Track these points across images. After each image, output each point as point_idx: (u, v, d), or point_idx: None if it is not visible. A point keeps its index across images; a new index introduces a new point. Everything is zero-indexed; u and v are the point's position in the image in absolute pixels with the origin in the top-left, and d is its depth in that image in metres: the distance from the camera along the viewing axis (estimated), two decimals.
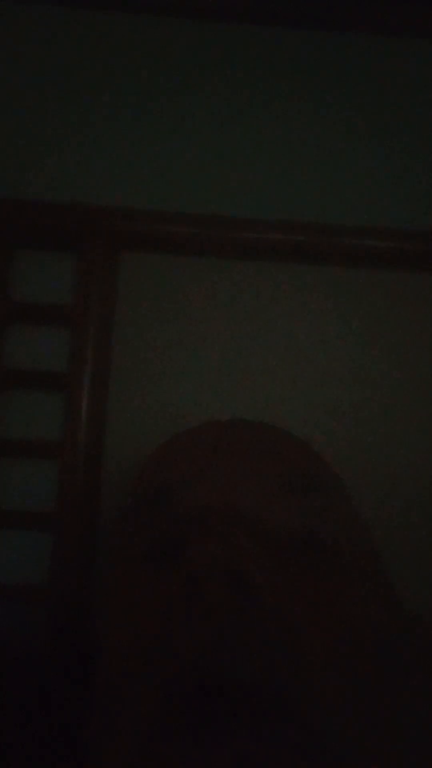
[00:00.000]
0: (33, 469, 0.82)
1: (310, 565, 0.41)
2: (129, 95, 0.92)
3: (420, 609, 0.80)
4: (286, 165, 0.91)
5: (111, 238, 0.84)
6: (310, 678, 0.33)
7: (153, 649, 0.37)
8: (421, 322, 0.89)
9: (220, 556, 0.37)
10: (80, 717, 0.74)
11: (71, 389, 0.82)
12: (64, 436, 0.81)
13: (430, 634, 0.48)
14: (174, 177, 0.90)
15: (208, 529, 0.41)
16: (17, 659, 0.76)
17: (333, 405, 0.86)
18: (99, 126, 0.91)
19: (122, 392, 0.85)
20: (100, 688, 0.41)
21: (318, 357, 0.88)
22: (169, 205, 0.88)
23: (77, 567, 0.77)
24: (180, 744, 0.30)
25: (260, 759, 0.29)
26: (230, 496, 0.44)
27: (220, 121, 0.92)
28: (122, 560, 0.47)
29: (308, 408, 0.86)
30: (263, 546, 0.41)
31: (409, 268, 0.89)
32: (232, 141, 0.91)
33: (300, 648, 0.35)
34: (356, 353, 0.88)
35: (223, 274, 0.89)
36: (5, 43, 0.92)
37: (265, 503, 0.44)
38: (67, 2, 0.91)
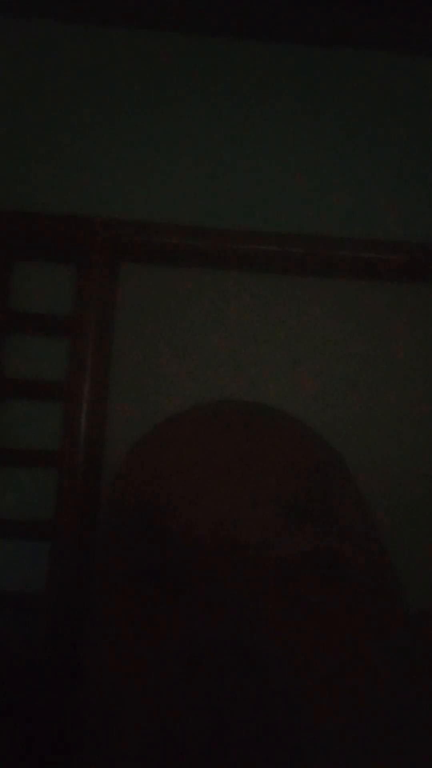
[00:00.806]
0: (31, 478, 0.83)
1: (323, 592, 0.39)
2: (129, 107, 0.93)
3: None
4: (286, 177, 0.92)
5: (111, 249, 0.85)
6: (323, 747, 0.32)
7: (144, 706, 0.34)
8: (423, 334, 0.90)
9: (227, 629, 0.34)
10: (76, 726, 0.73)
11: (70, 399, 0.82)
12: (63, 445, 0.81)
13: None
14: (174, 189, 0.90)
15: (212, 568, 0.37)
16: (15, 667, 0.77)
17: (334, 417, 0.86)
18: (99, 138, 0.92)
19: (121, 402, 0.86)
20: (85, 738, 0.39)
21: (318, 369, 0.88)
22: (170, 216, 0.89)
23: (75, 576, 0.78)
24: None
25: None
26: (231, 517, 0.39)
27: (220, 134, 0.93)
28: (111, 584, 0.44)
29: (308, 420, 0.86)
30: (270, 575, 0.38)
31: (410, 279, 0.90)
32: (232, 153, 0.92)
33: (308, 720, 0.33)
34: (357, 365, 0.88)
35: (224, 286, 0.89)
36: (5, 55, 0.93)
37: (271, 523, 0.39)
38: (68, 16, 0.92)
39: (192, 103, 0.93)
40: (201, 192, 0.91)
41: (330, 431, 0.86)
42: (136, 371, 0.87)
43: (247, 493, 0.41)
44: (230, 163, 0.92)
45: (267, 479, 0.42)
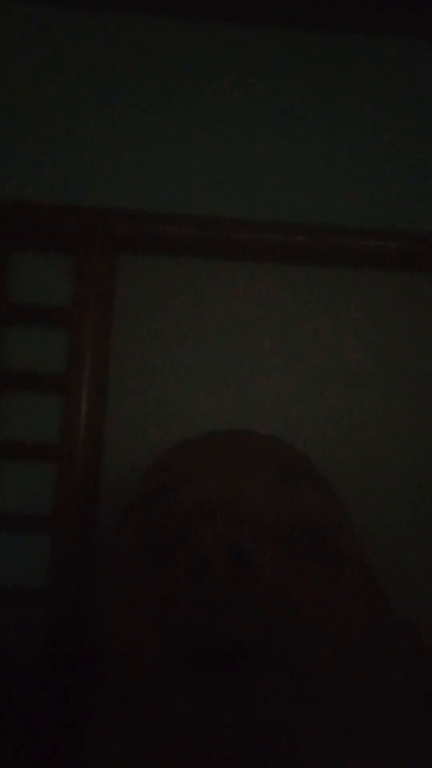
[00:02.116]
0: (31, 472, 0.82)
1: (308, 553, 0.43)
2: (127, 96, 0.92)
3: (417, 613, 0.80)
4: (286, 166, 0.91)
5: (109, 239, 0.84)
6: (305, 643, 0.37)
7: (158, 622, 0.39)
8: (422, 323, 0.89)
9: (225, 535, 0.40)
10: (80, 719, 0.73)
11: (69, 391, 0.82)
12: (62, 438, 0.81)
13: (415, 636, 0.49)
14: (172, 178, 0.89)
15: (210, 514, 0.43)
16: (15, 662, 0.76)
17: (332, 406, 0.86)
18: (96, 127, 0.91)
19: (121, 393, 0.85)
20: (105, 664, 0.43)
21: (317, 358, 0.87)
22: (168, 206, 0.88)
23: (75, 569, 0.77)
24: (184, 694, 0.34)
25: (259, 705, 0.33)
26: (228, 488, 0.46)
27: (218, 122, 0.92)
28: (125, 554, 0.49)
29: (307, 409, 0.86)
30: (263, 532, 0.43)
31: (410, 269, 0.89)
32: (230, 142, 0.91)
33: (296, 616, 0.38)
34: (356, 355, 0.88)
35: (223, 276, 0.89)
36: (3, 44, 0.92)
37: (262, 494, 0.46)
38: (66, 3, 0.91)
39: (191, 90, 0.92)
40: (200, 181, 0.90)
41: (330, 421, 0.86)
42: (136, 363, 0.86)
43: (240, 473, 0.48)
44: (230, 152, 0.91)
45: (254, 464, 0.49)
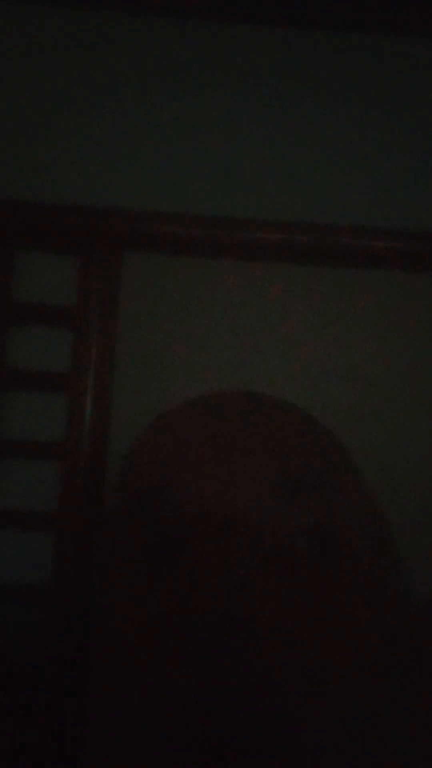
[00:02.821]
0: (35, 470, 0.82)
1: (317, 567, 0.40)
2: (131, 97, 0.92)
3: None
4: (288, 166, 0.91)
5: (113, 239, 0.84)
6: (303, 708, 0.33)
7: (151, 672, 0.36)
8: (422, 321, 0.89)
9: (221, 600, 0.36)
10: (80, 715, 0.73)
11: (74, 389, 0.82)
12: (67, 436, 0.81)
13: None
14: (176, 179, 0.90)
15: (209, 546, 0.40)
16: (19, 657, 0.76)
17: (333, 403, 0.86)
18: (101, 128, 0.91)
19: (125, 392, 0.85)
20: (98, 693, 0.41)
21: (318, 355, 0.88)
22: (171, 206, 0.88)
23: (79, 566, 0.77)
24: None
25: None
26: (230, 496, 0.42)
27: (221, 123, 0.92)
28: (118, 562, 0.46)
29: (309, 407, 0.86)
30: (266, 552, 0.39)
31: (410, 268, 0.90)
32: (233, 143, 0.92)
33: (294, 677, 0.34)
34: (357, 352, 0.88)
35: (225, 274, 0.89)
36: (6, 45, 0.92)
37: (267, 505, 0.42)
38: (70, 4, 0.91)
39: (194, 91, 0.93)
40: (204, 181, 0.90)
41: (332, 418, 0.86)
42: (140, 361, 0.86)
43: (242, 471, 0.44)
44: (232, 152, 0.91)
45: (261, 458, 0.45)
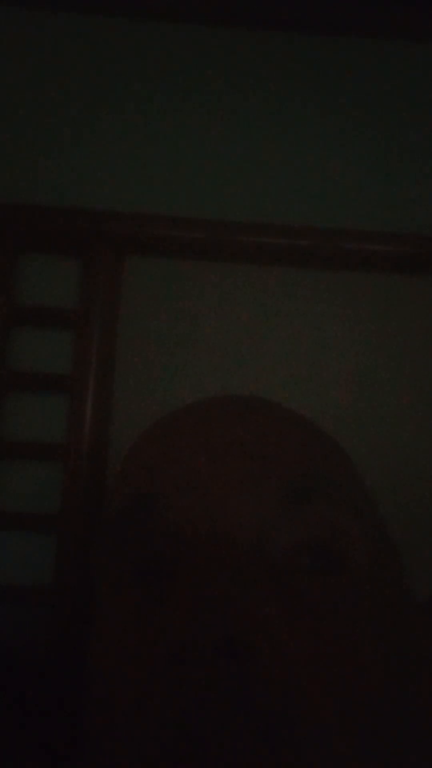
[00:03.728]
0: (37, 472, 0.83)
1: (319, 584, 0.38)
2: (132, 99, 0.93)
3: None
4: (289, 169, 0.92)
5: (115, 242, 0.85)
6: (305, 745, 0.31)
7: (139, 699, 0.34)
8: (425, 326, 0.90)
9: (219, 623, 0.33)
10: (81, 718, 0.73)
11: (75, 392, 0.82)
12: (69, 438, 0.81)
13: None
14: (177, 181, 0.90)
15: (203, 567, 0.37)
16: (19, 661, 0.77)
17: (335, 409, 0.86)
18: (103, 130, 0.92)
19: (126, 394, 0.86)
20: (91, 715, 0.39)
21: (320, 361, 0.88)
22: (174, 209, 0.89)
23: (81, 569, 0.78)
24: None
25: None
26: (226, 509, 0.39)
27: (223, 125, 0.93)
28: (107, 578, 0.44)
29: (311, 412, 0.86)
30: (265, 572, 0.37)
31: (412, 271, 0.90)
32: (235, 145, 0.92)
33: (297, 711, 0.32)
34: (359, 358, 0.88)
35: (228, 279, 0.89)
36: (6, 47, 0.93)
37: (267, 518, 0.39)
38: (71, 7, 0.92)
39: (194, 93, 0.93)
40: (205, 184, 0.91)
41: (333, 424, 0.86)
42: (142, 364, 0.87)
43: (241, 483, 0.40)
44: (234, 155, 0.92)
45: (261, 469, 0.41)
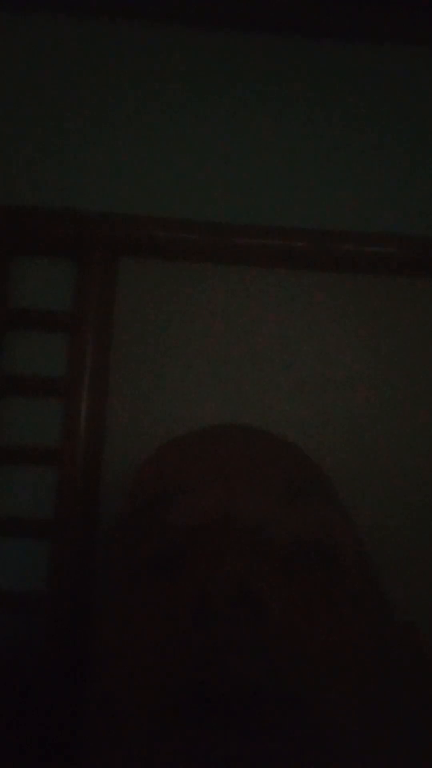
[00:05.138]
0: (32, 476, 0.82)
1: (315, 575, 0.41)
2: (127, 101, 0.92)
3: (419, 615, 0.80)
4: (286, 171, 0.91)
5: (109, 244, 0.84)
6: (314, 682, 0.34)
7: (155, 659, 0.36)
8: (422, 328, 0.89)
9: (231, 572, 0.37)
10: (78, 724, 0.74)
11: (70, 396, 0.82)
12: (63, 442, 0.81)
13: (419, 641, 0.49)
14: (173, 183, 0.89)
15: (213, 534, 0.41)
16: (16, 666, 0.77)
17: (332, 411, 0.86)
18: (96, 132, 0.91)
19: (121, 398, 0.85)
20: (95, 693, 0.40)
21: (317, 363, 0.87)
22: (168, 211, 0.88)
23: (76, 574, 0.77)
24: (179, 744, 0.30)
25: (261, 758, 0.29)
26: (231, 504, 0.43)
27: (218, 127, 0.92)
28: (121, 570, 0.47)
29: (307, 414, 0.86)
30: (267, 557, 0.40)
31: (410, 274, 0.89)
32: (230, 147, 0.91)
33: (304, 657, 0.35)
34: (356, 360, 0.88)
35: (222, 281, 0.89)
36: (3, 49, 0.92)
37: (267, 511, 0.43)
38: (65, 9, 0.91)
39: (191, 96, 0.92)
40: (201, 186, 0.90)
41: (330, 424, 0.86)
42: (136, 367, 0.86)
43: (243, 484, 0.45)
44: (231, 158, 0.91)
45: (260, 475, 0.46)
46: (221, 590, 0.36)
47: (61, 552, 0.78)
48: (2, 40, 0.92)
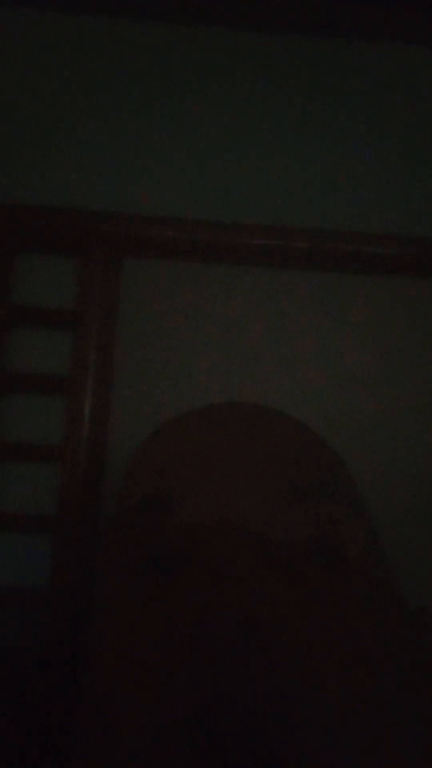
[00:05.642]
0: (35, 473, 0.83)
1: (322, 575, 0.40)
2: (131, 101, 0.92)
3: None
4: (287, 172, 0.92)
5: (113, 243, 0.85)
6: (317, 708, 0.32)
7: (155, 661, 0.35)
8: (422, 327, 0.90)
9: (238, 604, 0.35)
10: (76, 721, 0.73)
11: (73, 393, 0.82)
12: (66, 439, 0.81)
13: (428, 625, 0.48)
14: (175, 183, 0.90)
15: (215, 546, 0.39)
16: (17, 660, 0.76)
17: (333, 410, 0.86)
18: (101, 132, 0.91)
19: (124, 395, 0.85)
20: (94, 692, 0.40)
21: (317, 361, 0.88)
22: (171, 211, 0.89)
23: (78, 570, 0.77)
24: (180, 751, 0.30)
25: None
26: (234, 507, 0.42)
27: (221, 128, 0.92)
28: (121, 569, 0.46)
29: (308, 412, 0.86)
30: (272, 562, 0.39)
31: (410, 273, 0.90)
32: (233, 148, 0.92)
33: (309, 679, 0.33)
34: (356, 358, 0.88)
35: (225, 280, 0.89)
36: (5, 48, 0.93)
37: (272, 511, 0.42)
38: (70, 8, 0.92)
39: (192, 95, 0.93)
40: (203, 186, 0.90)
41: (331, 423, 0.86)
42: (139, 365, 0.86)
43: (247, 482, 0.44)
44: (232, 157, 0.92)
45: (266, 469, 0.45)
46: (226, 618, 0.34)
47: (63, 548, 0.78)
48: (5, 39, 0.93)
